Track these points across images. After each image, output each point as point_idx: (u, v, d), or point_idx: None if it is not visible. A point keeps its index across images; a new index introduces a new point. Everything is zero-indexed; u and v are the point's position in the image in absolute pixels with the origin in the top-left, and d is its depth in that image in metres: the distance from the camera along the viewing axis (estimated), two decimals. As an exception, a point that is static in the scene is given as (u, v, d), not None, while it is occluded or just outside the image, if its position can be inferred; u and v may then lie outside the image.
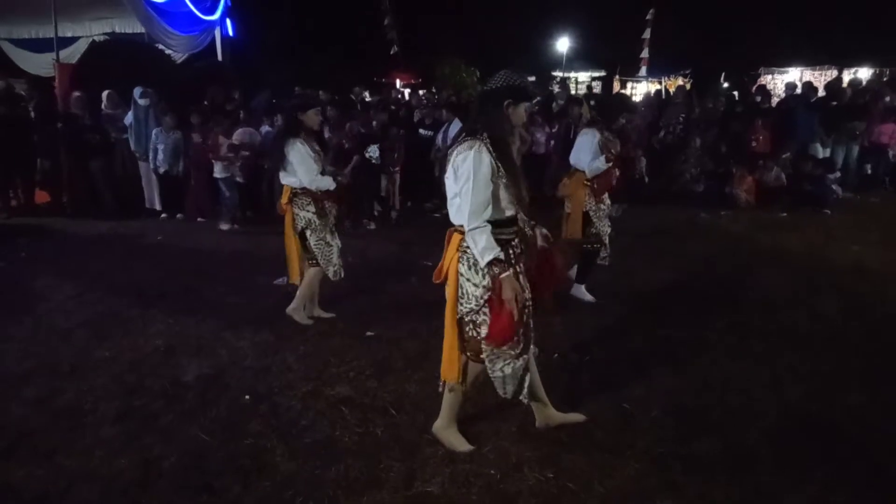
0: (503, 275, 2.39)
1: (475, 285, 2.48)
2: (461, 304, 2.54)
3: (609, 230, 4.58)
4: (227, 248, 6.43)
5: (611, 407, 3.07)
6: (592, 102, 11.38)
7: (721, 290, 4.99)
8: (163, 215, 7.87)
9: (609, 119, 4.68)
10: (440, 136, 8.11)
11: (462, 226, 2.46)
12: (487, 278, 2.44)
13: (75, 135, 7.69)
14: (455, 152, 2.46)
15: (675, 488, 2.48)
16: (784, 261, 5.93)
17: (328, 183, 4.05)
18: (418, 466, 2.61)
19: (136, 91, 7.72)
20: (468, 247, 2.46)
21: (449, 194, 2.51)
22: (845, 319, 4.37)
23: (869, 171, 9.65)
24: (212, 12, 10.95)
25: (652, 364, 3.63)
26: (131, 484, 2.53)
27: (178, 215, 7.84)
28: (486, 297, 2.46)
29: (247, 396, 3.25)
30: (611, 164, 4.44)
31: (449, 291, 2.57)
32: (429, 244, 6.52)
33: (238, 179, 7.53)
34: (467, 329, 2.57)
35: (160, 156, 7.59)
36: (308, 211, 4.04)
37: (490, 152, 2.40)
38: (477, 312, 2.51)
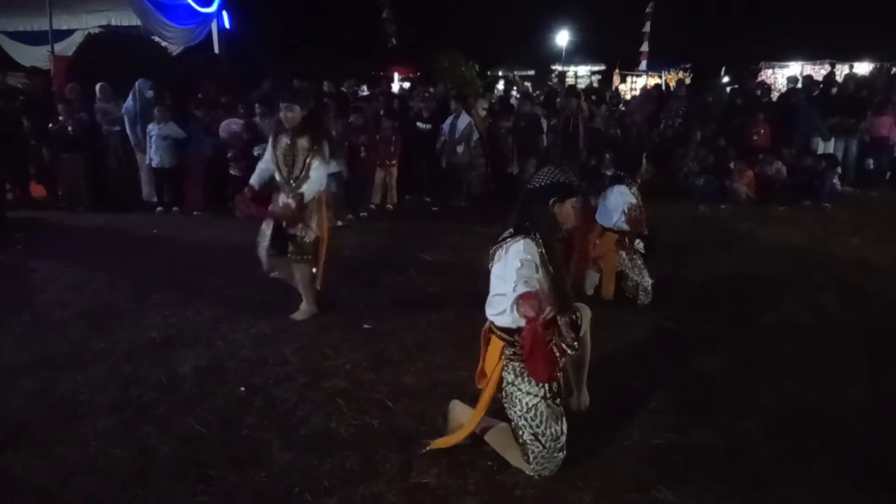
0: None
1: (524, 392, 2.44)
2: (508, 409, 2.50)
3: (650, 281, 4.46)
4: (224, 241, 6.40)
5: (610, 398, 3.05)
6: (594, 97, 11.46)
7: (721, 284, 4.98)
8: (158, 209, 7.83)
9: (632, 170, 4.65)
10: (446, 129, 8.06)
11: (500, 328, 2.45)
12: (536, 385, 2.41)
13: (62, 128, 7.63)
14: (503, 249, 2.40)
15: (674, 479, 2.48)
16: (784, 254, 5.93)
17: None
18: (415, 458, 2.60)
19: (144, 83, 7.67)
20: (513, 353, 2.43)
21: (493, 292, 2.44)
22: (845, 313, 4.37)
23: (872, 166, 9.62)
24: (208, 4, 10.89)
25: (652, 356, 3.63)
26: (129, 474, 2.52)
27: (175, 209, 7.82)
28: (535, 403, 2.42)
29: (243, 388, 3.23)
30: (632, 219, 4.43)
31: (486, 393, 2.54)
32: (426, 237, 6.53)
33: (233, 172, 7.51)
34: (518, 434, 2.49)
35: (153, 148, 7.56)
36: None
37: (540, 246, 2.36)
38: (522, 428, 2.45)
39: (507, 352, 2.47)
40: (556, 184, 2.47)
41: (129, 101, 7.74)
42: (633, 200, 4.43)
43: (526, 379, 2.44)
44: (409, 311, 4.30)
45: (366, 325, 4.05)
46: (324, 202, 4.10)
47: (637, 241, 4.54)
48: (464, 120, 7.92)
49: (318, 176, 3.95)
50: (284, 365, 3.51)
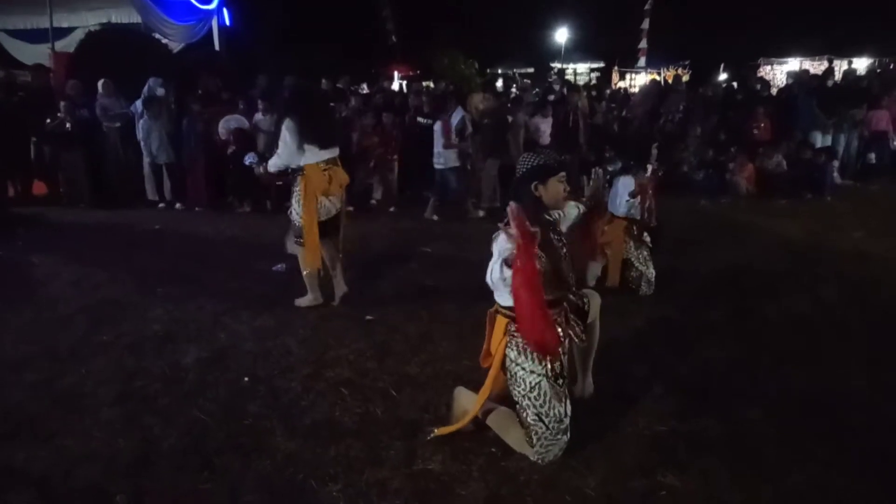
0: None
1: (526, 370, 2.45)
2: (512, 388, 2.51)
3: (654, 272, 4.47)
4: (226, 236, 6.42)
5: (612, 386, 3.06)
6: (594, 93, 11.46)
7: (723, 276, 4.98)
8: (160, 205, 7.84)
9: (642, 160, 4.64)
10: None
11: (507, 308, 2.45)
12: (538, 363, 2.43)
13: (59, 124, 7.62)
14: (496, 236, 2.43)
15: (677, 465, 2.47)
16: (785, 247, 5.93)
17: None
18: (419, 445, 2.61)
19: (156, 82, 7.67)
20: (516, 331, 2.44)
21: (495, 277, 2.44)
22: (846, 305, 4.36)
23: (873, 161, 9.62)
24: (209, 2, 10.89)
25: (654, 346, 3.63)
26: (132, 464, 2.52)
27: (177, 205, 7.82)
28: (538, 382, 2.43)
29: (246, 379, 3.23)
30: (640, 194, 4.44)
31: (490, 374, 2.56)
32: (427, 231, 6.53)
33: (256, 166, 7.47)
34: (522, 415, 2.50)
35: (154, 144, 7.55)
36: None
37: None
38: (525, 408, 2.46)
39: (511, 328, 2.48)
40: (533, 168, 2.50)
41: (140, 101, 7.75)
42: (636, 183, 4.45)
43: (528, 356, 2.45)
44: (411, 303, 4.30)
45: (368, 317, 4.05)
46: (307, 187, 3.97)
47: (644, 233, 4.56)
48: (457, 115, 7.91)
49: (278, 154, 4.01)
50: (287, 356, 3.52)
